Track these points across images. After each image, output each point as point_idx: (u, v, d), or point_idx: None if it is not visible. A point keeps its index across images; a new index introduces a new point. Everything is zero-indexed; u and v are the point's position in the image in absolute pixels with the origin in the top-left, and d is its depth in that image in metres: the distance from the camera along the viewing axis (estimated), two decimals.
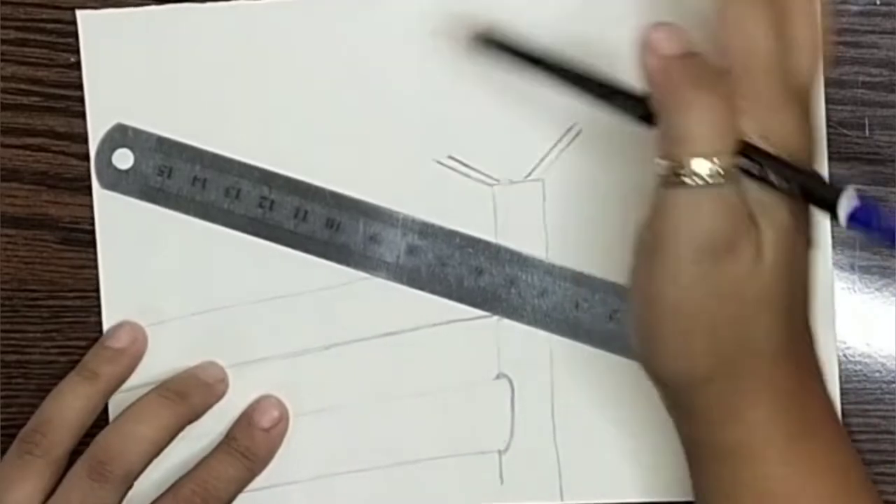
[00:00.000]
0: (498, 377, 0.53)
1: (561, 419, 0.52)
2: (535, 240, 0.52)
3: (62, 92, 0.53)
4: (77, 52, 0.53)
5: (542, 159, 0.52)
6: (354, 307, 0.53)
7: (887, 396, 0.52)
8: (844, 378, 0.52)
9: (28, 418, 0.52)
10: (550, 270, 0.52)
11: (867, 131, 0.52)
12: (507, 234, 0.52)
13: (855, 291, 0.52)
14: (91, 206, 0.53)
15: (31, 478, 0.50)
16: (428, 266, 0.52)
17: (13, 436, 0.52)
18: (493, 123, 0.52)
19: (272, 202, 0.52)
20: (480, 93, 0.52)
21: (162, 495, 0.51)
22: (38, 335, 0.53)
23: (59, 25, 0.53)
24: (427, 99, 0.52)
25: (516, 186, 0.52)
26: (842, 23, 0.52)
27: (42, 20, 0.53)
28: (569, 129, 0.52)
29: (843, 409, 0.52)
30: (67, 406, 0.51)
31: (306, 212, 0.52)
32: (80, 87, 0.53)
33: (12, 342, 0.54)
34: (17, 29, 0.54)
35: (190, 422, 0.52)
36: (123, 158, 0.53)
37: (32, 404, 0.52)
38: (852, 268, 0.52)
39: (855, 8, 0.52)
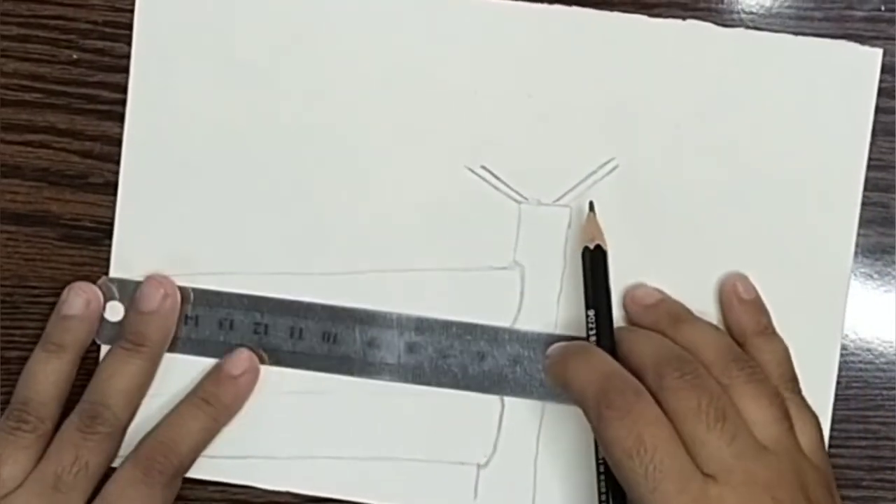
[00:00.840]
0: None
1: (545, 445, 0.53)
2: (552, 265, 0.52)
3: (64, 89, 0.53)
4: (78, 48, 0.53)
5: (575, 187, 0.52)
6: (361, 298, 0.53)
7: (887, 403, 0.53)
8: (844, 384, 0.52)
9: None
10: (551, 342, 0.52)
11: (870, 137, 0.52)
12: (525, 254, 0.52)
13: (854, 298, 0.52)
14: (91, 204, 0.53)
15: (22, 452, 0.51)
16: (430, 360, 0.52)
17: None
18: (533, 142, 0.52)
19: (266, 326, 0.53)
20: (526, 109, 0.52)
21: (126, 458, 0.52)
22: (39, 332, 0.53)
23: (61, 22, 0.53)
24: (471, 105, 0.52)
25: (544, 209, 0.52)
26: (847, 29, 0.52)
27: (44, 17, 0.53)
28: (607, 162, 0.52)
29: (843, 416, 0.52)
30: (42, 382, 0.52)
31: (301, 329, 0.53)
32: (82, 84, 0.53)
33: (13, 338, 0.54)
34: (20, 25, 0.53)
35: (158, 355, 0.52)
36: (114, 311, 0.53)
37: None
38: (852, 275, 0.52)
39: (859, 14, 0.52)
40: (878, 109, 0.52)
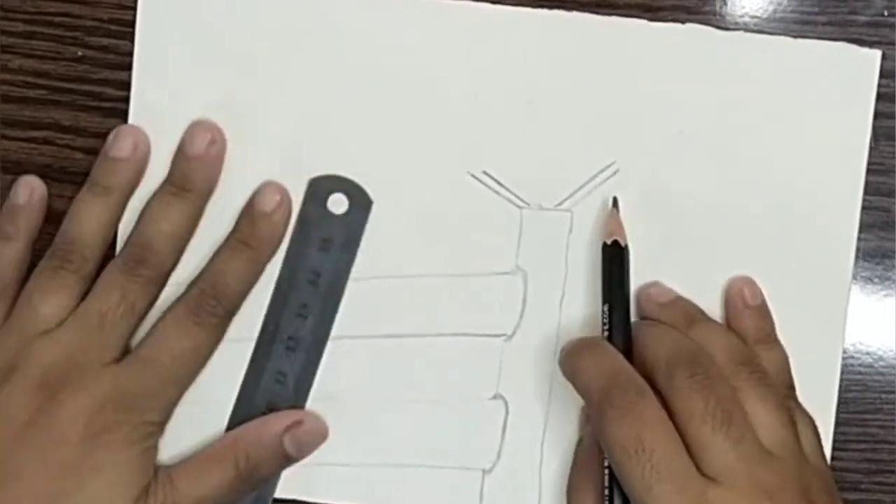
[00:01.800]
0: (495, 397, 0.53)
1: (550, 450, 0.53)
2: (554, 269, 0.52)
3: (68, 86, 0.53)
4: (83, 45, 0.53)
5: (576, 191, 0.52)
6: (364, 304, 0.53)
7: (886, 406, 0.53)
8: (844, 388, 0.52)
9: None
10: None
11: (873, 142, 0.52)
12: (527, 259, 0.52)
13: (854, 302, 0.52)
14: None
15: (64, 290, 0.51)
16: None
17: None
18: (534, 147, 0.52)
19: None
20: (526, 116, 0.52)
21: (173, 304, 0.52)
22: None
23: (66, 19, 0.53)
24: (471, 111, 0.52)
25: (545, 213, 0.52)
26: (850, 33, 0.52)
27: (49, 13, 0.53)
28: (608, 166, 0.52)
29: (842, 419, 0.52)
30: (87, 223, 0.51)
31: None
32: (86, 81, 0.53)
33: None
34: (25, 22, 0.53)
35: (203, 203, 0.52)
36: None
37: None
38: (853, 278, 0.52)
39: (862, 19, 0.52)
40: (878, 114, 0.52)
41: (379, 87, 0.52)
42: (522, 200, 0.52)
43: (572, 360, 0.49)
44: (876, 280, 0.53)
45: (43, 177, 0.53)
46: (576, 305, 0.52)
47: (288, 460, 0.51)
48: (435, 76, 0.52)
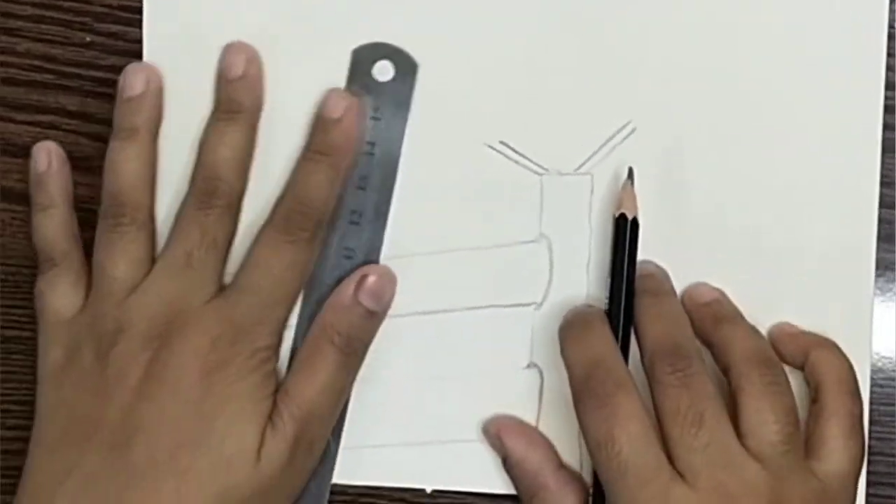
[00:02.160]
0: (529, 366, 0.53)
1: None
2: (579, 234, 0.52)
3: (76, 71, 0.53)
4: (92, 31, 0.53)
5: (594, 153, 0.52)
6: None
7: (884, 419, 0.53)
8: None
9: (27, 394, 0.52)
10: None
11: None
12: (551, 225, 0.52)
13: None
14: (99, 187, 0.52)
15: (128, 246, 0.50)
16: None
17: (12, 412, 0.52)
18: (547, 113, 0.52)
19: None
20: (537, 81, 0.52)
21: (262, 229, 0.51)
22: None
23: (75, 4, 0.53)
24: (483, 82, 0.52)
25: (565, 178, 0.52)
26: None
27: None
28: (624, 126, 0.52)
29: None
30: (125, 171, 0.51)
31: None
32: (94, 66, 0.53)
33: (13, 318, 0.54)
34: (34, 5, 0.53)
35: (255, 122, 0.52)
36: None
37: (31, 381, 0.51)
38: None
39: None
40: (888, 127, 0.52)
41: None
42: (541, 167, 0.52)
43: (563, 336, 0.50)
44: (877, 293, 0.53)
45: None
46: (603, 268, 0.52)
47: (375, 315, 0.51)
48: (441, 49, 0.52)
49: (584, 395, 0.47)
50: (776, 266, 0.52)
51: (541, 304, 0.53)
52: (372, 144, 0.52)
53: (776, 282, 0.52)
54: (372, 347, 0.52)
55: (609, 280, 0.50)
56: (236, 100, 0.51)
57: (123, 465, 0.47)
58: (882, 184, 0.52)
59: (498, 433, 0.52)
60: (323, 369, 0.50)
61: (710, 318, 0.51)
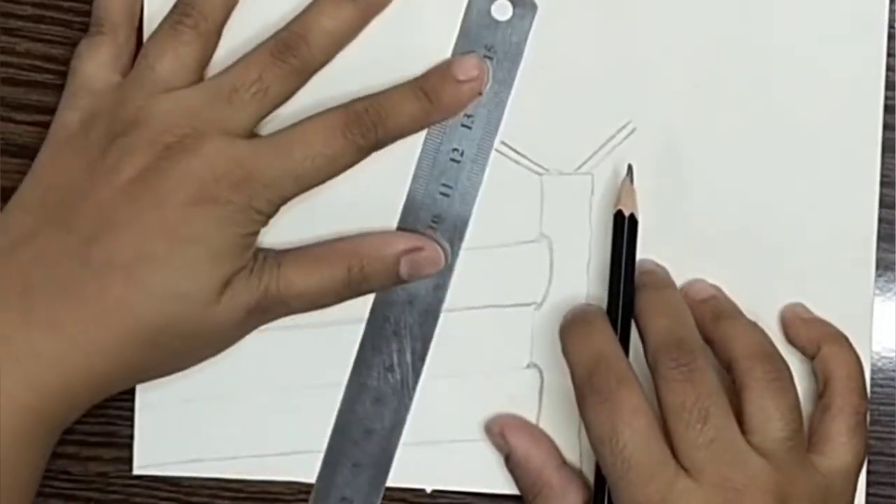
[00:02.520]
0: (529, 366, 0.53)
1: None
2: (579, 234, 0.52)
3: None
4: None
5: (594, 153, 0.52)
6: None
7: (884, 418, 0.53)
8: None
9: None
10: None
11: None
12: (551, 225, 0.52)
13: None
14: None
15: (181, 47, 0.50)
16: None
17: None
18: (547, 113, 0.52)
19: None
20: (537, 81, 0.52)
21: (333, 108, 0.50)
22: None
23: (75, 4, 0.53)
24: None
25: (565, 178, 0.52)
26: None
27: None
28: (624, 126, 0.52)
29: None
30: None
31: None
32: None
33: None
34: (34, 5, 0.53)
35: (371, 17, 0.51)
36: None
37: None
38: None
39: None
40: (888, 126, 0.52)
41: (396, 60, 0.52)
42: (541, 167, 0.52)
43: (564, 335, 0.50)
44: (877, 292, 0.53)
45: None
46: (603, 268, 0.52)
47: (398, 280, 0.51)
48: (440, 52, 0.52)
49: (587, 391, 0.47)
50: (776, 266, 0.52)
51: (541, 304, 0.53)
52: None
53: (776, 282, 0.52)
54: None
55: (609, 277, 0.50)
56: None
57: (81, 254, 0.47)
58: (882, 184, 0.52)
59: (501, 431, 0.52)
60: (325, 279, 0.50)
61: (710, 315, 0.51)
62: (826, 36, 0.52)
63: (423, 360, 0.52)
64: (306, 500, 0.53)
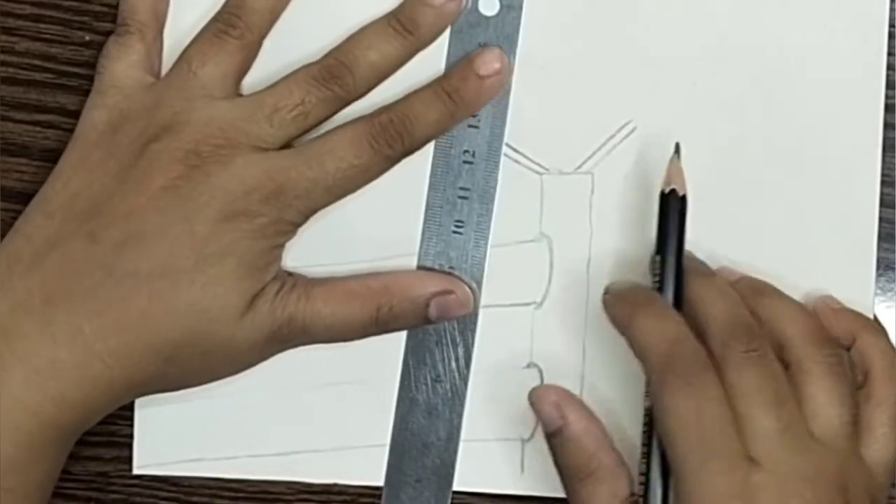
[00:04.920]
0: (528, 366, 0.53)
1: None
2: (579, 233, 0.52)
3: (75, 70, 0.53)
4: (91, 30, 0.53)
5: (594, 153, 0.52)
6: None
7: None
8: None
9: None
10: None
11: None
12: (551, 225, 0.52)
13: None
14: None
15: (224, 56, 0.50)
16: None
17: None
18: (547, 113, 0.52)
19: None
20: (538, 81, 0.52)
21: (358, 119, 0.50)
22: None
23: (75, 3, 0.53)
24: None
25: (565, 177, 0.52)
26: None
27: None
28: (624, 125, 0.52)
29: None
30: None
31: None
32: (93, 66, 0.52)
33: None
34: (33, 4, 0.53)
35: (417, 51, 0.51)
36: None
37: None
38: None
39: None
40: (889, 125, 0.52)
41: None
42: (541, 166, 0.52)
43: (629, 315, 0.48)
44: (878, 292, 0.53)
45: (47, 160, 0.52)
46: (603, 268, 0.52)
47: (426, 321, 0.51)
48: (441, 51, 0.52)
49: (669, 373, 0.46)
50: (776, 265, 0.52)
51: (541, 304, 0.53)
52: None
53: (776, 281, 0.52)
54: (371, 348, 0.52)
55: (656, 258, 0.49)
56: (419, 22, 0.50)
57: (106, 263, 0.47)
58: (882, 183, 0.52)
59: (559, 403, 0.50)
60: (354, 317, 0.50)
61: (749, 292, 0.50)
62: (826, 35, 0.52)
63: (468, 365, 0.52)
64: (306, 500, 0.53)
